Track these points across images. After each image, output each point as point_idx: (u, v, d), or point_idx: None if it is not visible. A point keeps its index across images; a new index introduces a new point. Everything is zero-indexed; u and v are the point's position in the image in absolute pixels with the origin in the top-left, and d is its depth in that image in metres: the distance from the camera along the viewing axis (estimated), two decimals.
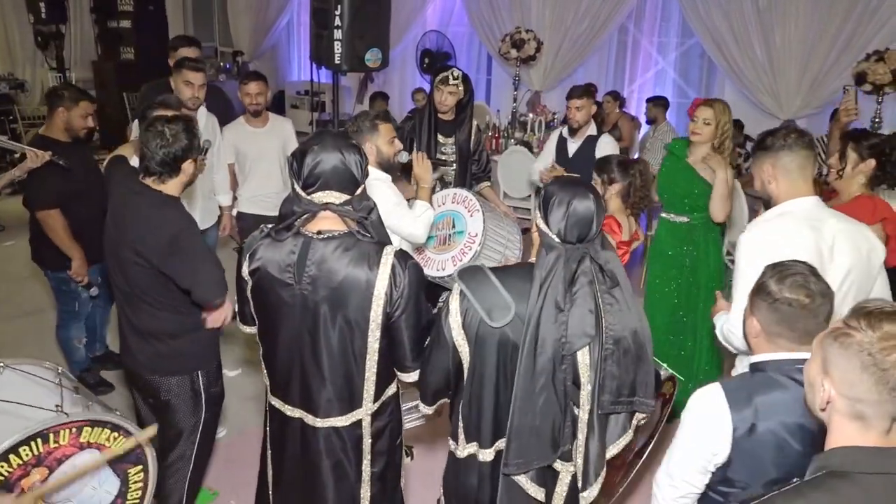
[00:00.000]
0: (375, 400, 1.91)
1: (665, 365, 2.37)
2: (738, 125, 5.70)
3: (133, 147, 2.85)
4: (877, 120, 5.03)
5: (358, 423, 1.92)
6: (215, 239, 3.97)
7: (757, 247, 2.05)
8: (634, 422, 1.84)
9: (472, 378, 1.72)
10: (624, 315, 1.69)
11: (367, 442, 1.94)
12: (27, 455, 2.03)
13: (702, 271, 3.47)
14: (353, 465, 1.95)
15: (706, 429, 1.57)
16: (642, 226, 3.60)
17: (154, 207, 2.20)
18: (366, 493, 1.98)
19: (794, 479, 1.16)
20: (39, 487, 2.02)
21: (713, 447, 1.56)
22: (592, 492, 1.77)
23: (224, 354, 2.63)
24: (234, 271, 1.96)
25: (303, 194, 1.78)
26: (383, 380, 1.91)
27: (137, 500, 2.29)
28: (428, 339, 1.87)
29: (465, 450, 1.81)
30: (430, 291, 3.35)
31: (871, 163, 2.70)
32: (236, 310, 2.04)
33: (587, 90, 4.14)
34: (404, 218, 2.72)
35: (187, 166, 2.25)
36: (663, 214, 3.60)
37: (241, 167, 4.04)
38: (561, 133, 4.25)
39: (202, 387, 2.41)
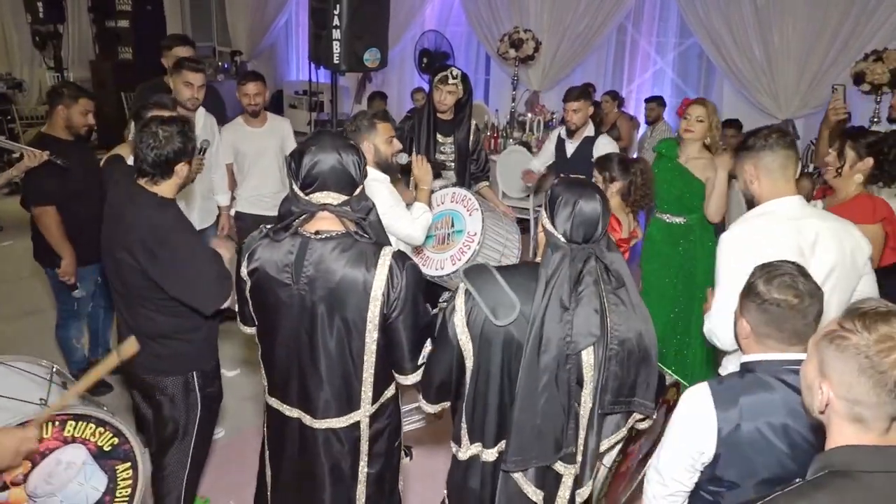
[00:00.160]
0: (374, 402, 1.91)
1: (670, 371, 2.37)
2: (736, 125, 5.70)
3: (130, 147, 2.84)
4: (875, 119, 5.03)
5: (356, 425, 1.91)
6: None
7: (739, 246, 2.08)
8: (631, 421, 1.83)
9: (477, 377, 1.72)
10: (629, 316, 1.70)
11: (364, 443, 1.94)
12: None
13: (698, 271, 3.48)
14: (349, 466, 1.94)
15: (692, 428, 1.60)
16: (641, 224, 3.61)
17: (147, 210, 2.18)
18: (362, 494, 1.98)
19: (797, 480, 1.15)
20: (41, 413, 1.97)
21: (700, 446, 1.59)
22: (586, 490, 1.77)
23: (223, 354, 2.62)
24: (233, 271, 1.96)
25: (301, 195, 1.78)
26: (381, 381, 1.91)
27: (127, 498, 2.27)
28: (429, 340, 1.86)
29: (467, 452, 1.80)
30: (429, 291, 3.36)
31: (870, 161, 2.70)
32: (237, 310, 2.04)
33: (584, 92, 4.15)
34: (401, 219, 2.72)
35: (180, 168, 2.23)
36: (658, 214, 3.60)
37: (240, 167, 4.04)
38: (559, 134, 4.27)
39: (197, 386, 2.40)
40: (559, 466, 1.75)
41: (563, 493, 1.77)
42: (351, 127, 2.80)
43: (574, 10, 7.47)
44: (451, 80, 3.54)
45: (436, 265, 3.18)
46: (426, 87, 7.35)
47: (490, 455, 1.78)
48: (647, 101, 6.70)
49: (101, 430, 2.16)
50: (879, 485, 1.09)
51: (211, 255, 2.32)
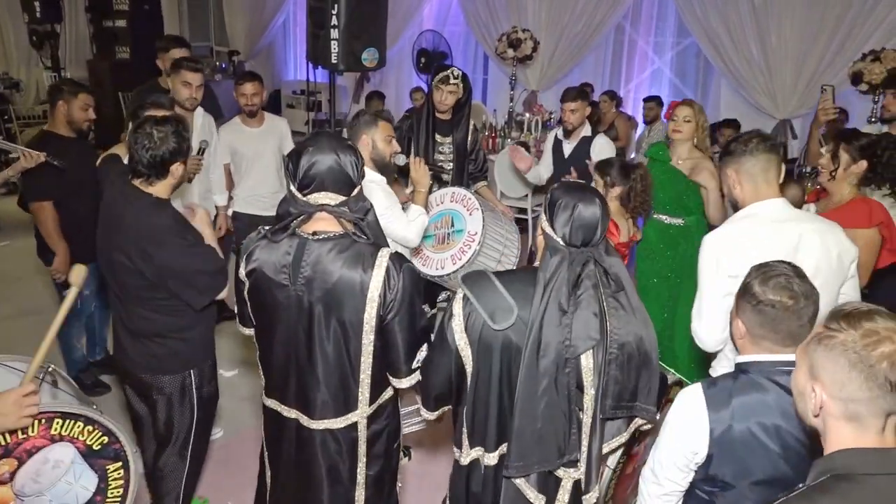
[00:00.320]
0: (371, 403, 1.90)
1: (672, 370, 2.37)
2: (734, 125, 5.71)
3: (126, 146, 2.84)
4: (872, 119, 5.04)
5: (353, 426, 1.91)
6: None
7: (721, 248, 2.10)
8: (633, 426, 1.83)
9: (477, 382, 1.72)
10: (629, 320, 1.69)
11: (362, 445, 1.93)
12: None
13: (694, 273, 3.48)
14: (347, 467, 1.94)
15: (685, 428, 1.61)
16: (640, 228, 3.62)
17: (142, 212, 2.18)
18: (360, 495, 1.97)
19: (800, 485, 1.16)
20: (31, 364, 1.96)
21: (693, 446, 1.60)
22: (593, 495, 1.76)
23: (221, 355, 2.62)
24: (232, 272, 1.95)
25: (298, 195, 1.78)
26: (379, 383, 1.90)
27: (119, 499, 2.25)
28: (426, 344, 1.86)
29: (468, 456, 1.80)
30: (428, 290, 3.37)
31: (863, 164, 2.70)
32: (235, 311, 2.03)
33: (581, 92, 4.15)
34: (396, 221, 2.70)
35: (175, 169, 2.22)
36: (656, 216, 3.61)
37: (237, 167, 4.03)
38: (556, 135, 4.27)
39: (193, 386, 2.40)
40: (559, 471, 1.74)
41: (563, 496, 1.77)
42: (352, 123, 2.81)
43: (572, 9, 7.47)
44: (452, 81, 3.53)
45: (436, 265, 3.17)
46: (424, 86, 7.36)
47: (491, 459, 1.78)
48: (645, 100, 6.71)
49: (90, 428, 2.14)
50: (884, 487, 1.10)
51: (207, 252, 2.32)
